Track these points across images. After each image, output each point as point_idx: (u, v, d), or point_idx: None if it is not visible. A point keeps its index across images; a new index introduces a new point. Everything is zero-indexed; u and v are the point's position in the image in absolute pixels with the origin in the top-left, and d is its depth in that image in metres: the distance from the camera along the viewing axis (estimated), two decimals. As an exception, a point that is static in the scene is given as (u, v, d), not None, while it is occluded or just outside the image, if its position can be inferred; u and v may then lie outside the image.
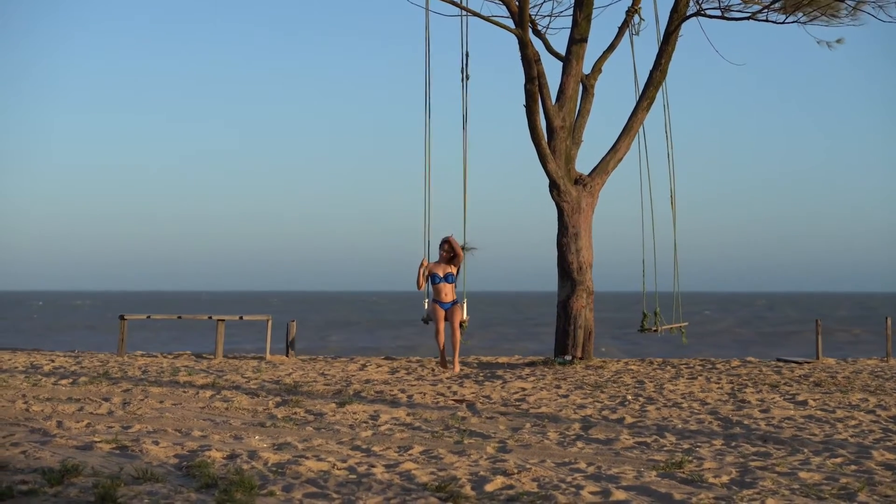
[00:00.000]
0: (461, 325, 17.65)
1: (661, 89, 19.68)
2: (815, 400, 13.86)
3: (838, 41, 19.36)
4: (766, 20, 19.11)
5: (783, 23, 19.08)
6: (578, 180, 19.25)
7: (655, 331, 19.73)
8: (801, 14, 18.98)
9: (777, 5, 18.81)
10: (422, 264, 17.63)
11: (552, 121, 19.14)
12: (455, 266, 17.75)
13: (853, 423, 11.96)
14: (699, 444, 10.55)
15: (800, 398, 14.01)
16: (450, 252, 17.72)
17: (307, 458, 9.28)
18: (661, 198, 19.67)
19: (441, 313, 17.51)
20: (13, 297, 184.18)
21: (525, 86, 18.61)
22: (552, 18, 20.71)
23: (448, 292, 17.63)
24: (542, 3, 20.56)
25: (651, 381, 15.83)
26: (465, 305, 17.84)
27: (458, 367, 17.73)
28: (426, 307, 17.79)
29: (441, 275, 17.61)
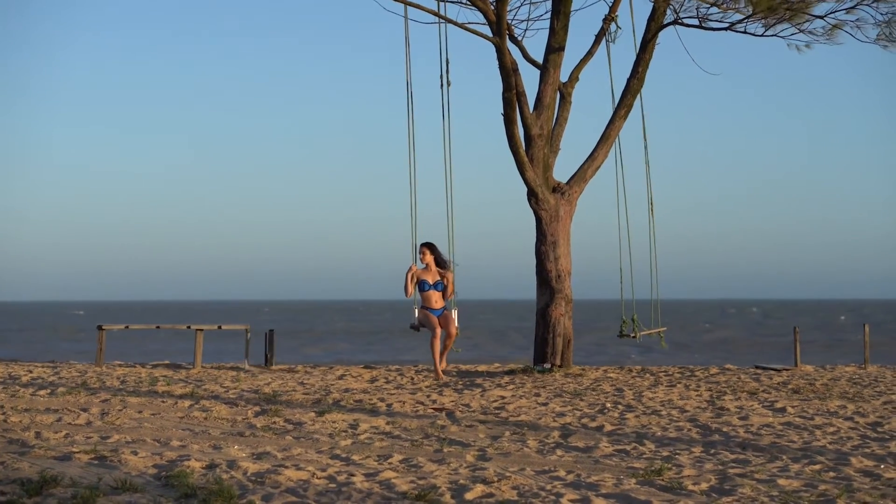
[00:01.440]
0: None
1: (637, 97, 19.72)
2: (793, 407, 13.91)
3: (807, 45, 19.42)
4: (745, 31, 19.15)
5: (762, 35, 19.11)
6: (556, 188, 19.26)
7: (634, 336, 19.84)
8: (779, 28, 19.02)
9: (753, 18, 18.83)
10: (410, 270, 17.65)
11: (530, 129, 19.15)
12: (445, 279, 17.78)
13: (831, 429, 12.00)
14: (678, 451, 10.57)
15: (778, 405, 14.05)
16: (434, 256, 17.78)
17: (287, 467, 9.27)
18: (643, 205, 19.72)
19: (436, 320, 17.55)
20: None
21: (503, 94, 18.61)
22: (529, 24, 20.72)
23: (437, 299, 17.67)
24: (518, 7, 20.55)
25: (630, 389, 15.86)
26: (456, 316, 17.89)
27: (444, 365, 17.94)
28: (416, 314, 17.82)
29: (430, 282, 17.65)
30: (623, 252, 19.64)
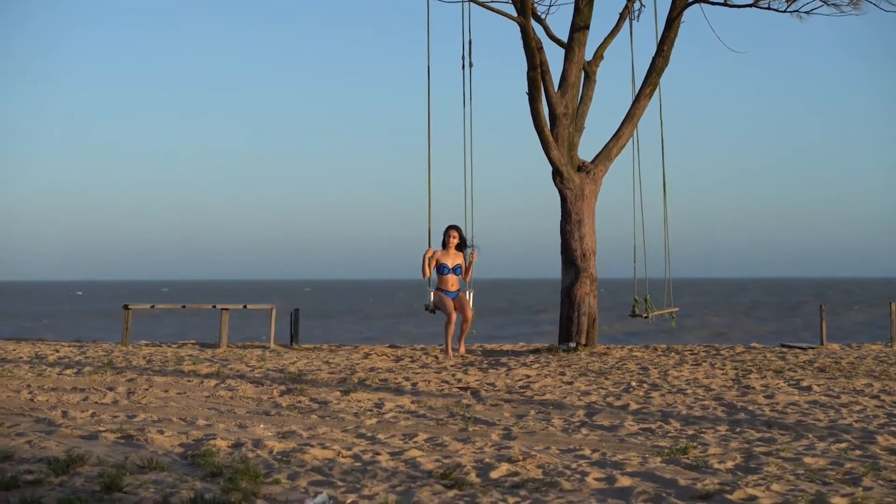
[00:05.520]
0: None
1: (662, 75, 19.64)
2: (819, 385, 13.86)
3: (808, 13, 19.29)
4: (769, 8, 19.05)
5: (785, 11, 19.02)
6: (581, 167, 19.22)
7: (646, 317, 19.77)
8: (801, 2, 18.93)
9: None
10: (427, 254, 17.71)
11: (555, 108, 19.11)
12: (467, 262, 17.87)
13: (858, 408, 11.96)
14: (704, 430, 10.55)
15: (804, 384, 14.01)
16: (458, 240, 17.83)
17: (312, 446, 9.29)
18: (669, 183, 19.63)
19: (451, 303, 17.58)
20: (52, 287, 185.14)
21: (528, 73, 18.58)
22: (552, 2, 20.62)
23: (454, 282, 17.76)
24: (540, -13, 20.45)
25: (655, 368, 15.83)
26: (471, 297, 17.95)
27: (463, 349, 17.96)
28: (431, 296, 17.89)
29: (450, 266, 17.73)
30: (637, 231, 19.58)
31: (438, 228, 18.08)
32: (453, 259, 17.78)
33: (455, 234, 17.84)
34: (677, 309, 20.41)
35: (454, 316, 17.59)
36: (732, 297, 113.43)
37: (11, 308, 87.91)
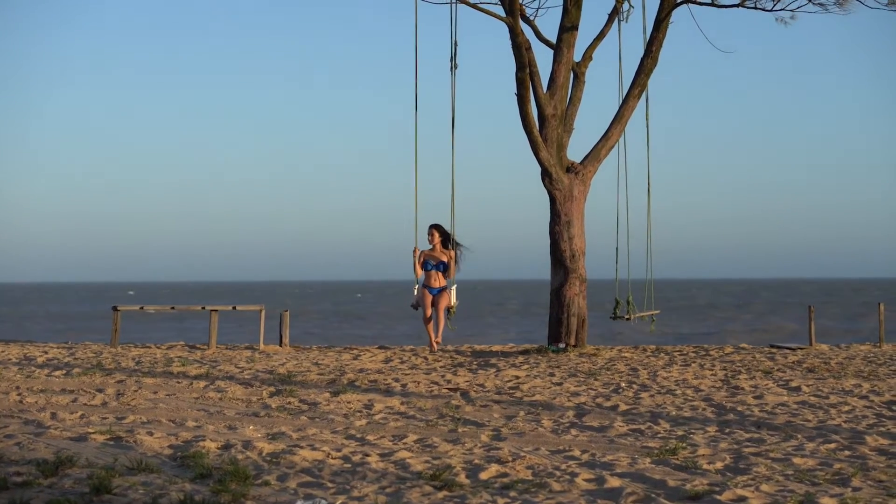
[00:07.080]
0: (449, 310, 18.00)
1: (650, 76, 19.64)
2: (808, 386, 13.88)
3: (792, 17, 19.33)
4: (756, 7, 19.09)
5: (771, 10, 19.07)
6: (570, 168, 19.22)
7: (628, 318, 19.77)
8: (788, 1, 18.98)
9: None
10: (415, 252, 17.84)
11: (544, 109, 19.10)
12: (448, 260, 17.95)
13: (847, 408, 11.98)
14: (693, 430, 10.56)
15: (793, 384, 14.03)
16: (442, 237, 17.94)
17: (302, 447, 9.29)
18: (655, 187, 19.60)
19: (429, 298, 17.80)
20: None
21: (516, 74, 18.57)
22: (541, 3, 20.62)
23: (437, 278, 17.92)
24: (529, -12, 20.43)
25: (645, 369, 15.85)
26: (453, 291, 18.05)
27: (439, 338, 18.05)
28: (416, 293, 18.02)
29: (433, 263, 17.86)
30: (621, 232, 19.59)
31: (423, 229, 18.21)
32: (437, 257, 17.94)
33: (435, 232, 17.98)
34: (658, 311, 20.41)
35: (429, 312, 17.97)
36: (745, 297, 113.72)
37: (22, 310, 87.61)
